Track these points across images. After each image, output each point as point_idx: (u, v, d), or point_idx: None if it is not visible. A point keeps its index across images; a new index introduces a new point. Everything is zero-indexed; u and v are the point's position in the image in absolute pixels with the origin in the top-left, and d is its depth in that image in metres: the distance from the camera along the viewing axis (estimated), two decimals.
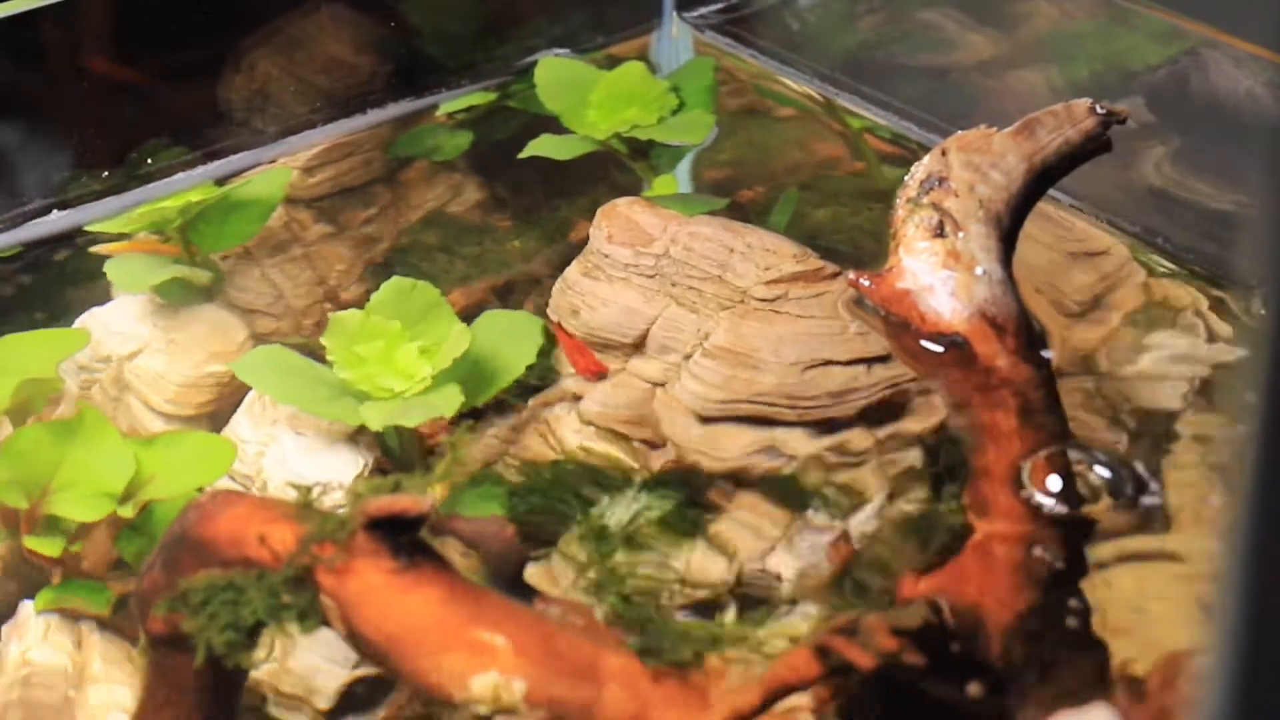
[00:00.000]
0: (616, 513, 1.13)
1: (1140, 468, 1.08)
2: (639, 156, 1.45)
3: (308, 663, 1.08)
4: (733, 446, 1.18)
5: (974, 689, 0.92)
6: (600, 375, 1.23)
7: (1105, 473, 1.06)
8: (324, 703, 1.09)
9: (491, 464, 1.20)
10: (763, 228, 1.27)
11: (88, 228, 1.40)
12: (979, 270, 1.14)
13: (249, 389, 1.23)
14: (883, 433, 1.18)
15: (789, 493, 1.15)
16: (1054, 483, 1.03)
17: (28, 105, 1.45)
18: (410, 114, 1.56)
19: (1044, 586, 0.98)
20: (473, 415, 1.21)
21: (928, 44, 1.60)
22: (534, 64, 1.51)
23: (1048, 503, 1.02)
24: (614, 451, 1.19)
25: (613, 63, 1.53)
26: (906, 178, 1.19)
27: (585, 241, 1.28)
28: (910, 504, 1.11)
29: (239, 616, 0.91)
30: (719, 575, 1.11)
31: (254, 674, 1.04)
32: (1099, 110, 1.20)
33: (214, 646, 0.92)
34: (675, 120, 1.45)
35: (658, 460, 1.18)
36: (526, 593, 0.94)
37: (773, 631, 0.93)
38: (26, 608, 1.13)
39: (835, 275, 1.23)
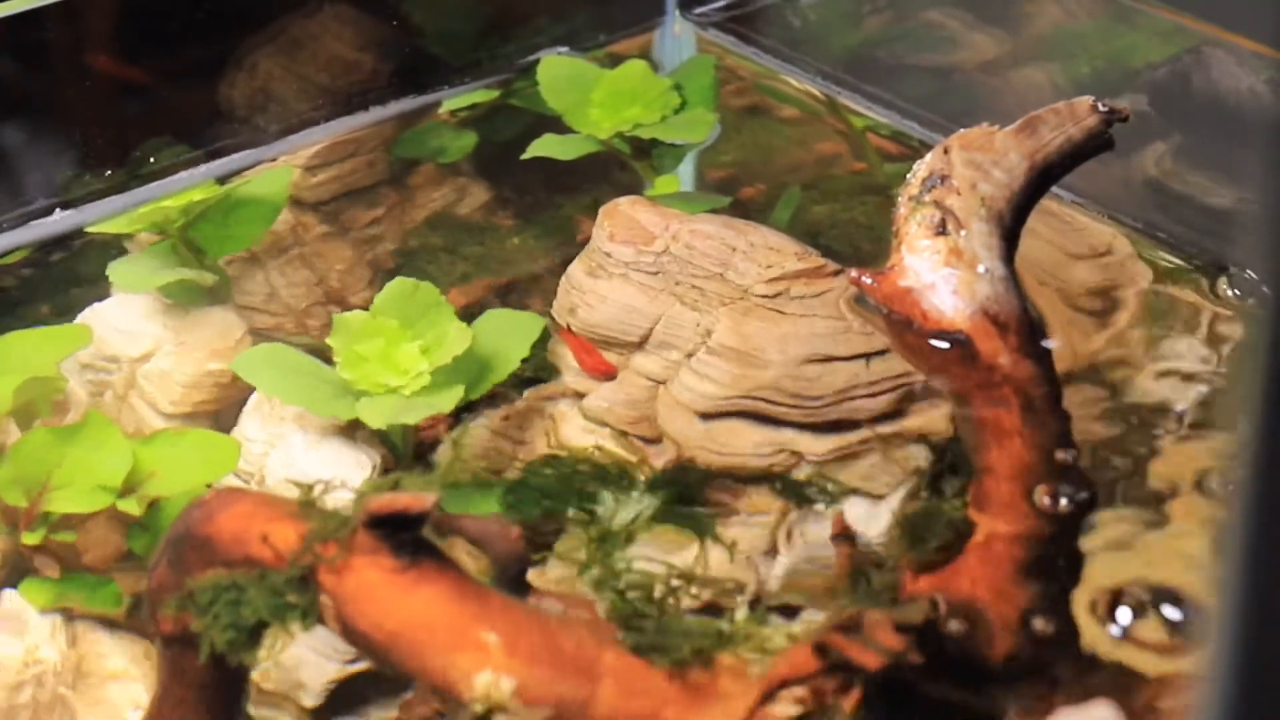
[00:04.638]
0: (619, 511, 1.13)
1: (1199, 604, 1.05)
2: (641, 155, 1.45)
3: (295, 660, 1.09)
4: (736, 445, 1.18)
5: (975, 685, 0.92)
6: (609, 376, 1.23)
7: (1170, 610, 1.04)
8: (310, 700, 1.10)
9: (494, 462, 1.20)
10: (765, 226, 1.27)
11: (90, 227, 1.40)
12: (981, 268, 1.14)
13: (252, 388, 1.23)
14: (886, 430, 1.18)
15: (792, 491, 1.15)
16: (1123, 615, 1.02)
17: (30, 104, 1.45)
18: (413, 112, 1.56)
19: (1044, 584, 0.98)
20: (468, 409, 1.21)
21: (930, 42, 1.60)
22: (536, 62, 1.51)
23: (1115, 631, 1.01)
24: (617, 450, 1.19)
25: (615, 61, 1.53)
26: (909, 176, 1.19)
27: (588, 240, 1.28)
28: (913, 502, 1.11)
29: (241, 616, 0.91)
30: (721, 573, 1.11)
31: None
32: (1101, 108, 1.20)
33: (217, 645, 0.92)
34: (677, 119, 1.45)
35: (660, 458, 1.18)
36: (528, 592, 0.94)
37: (774, 629, 0.93)
38: (10, 597, 1.12)
39: (837, 273, 1.23)
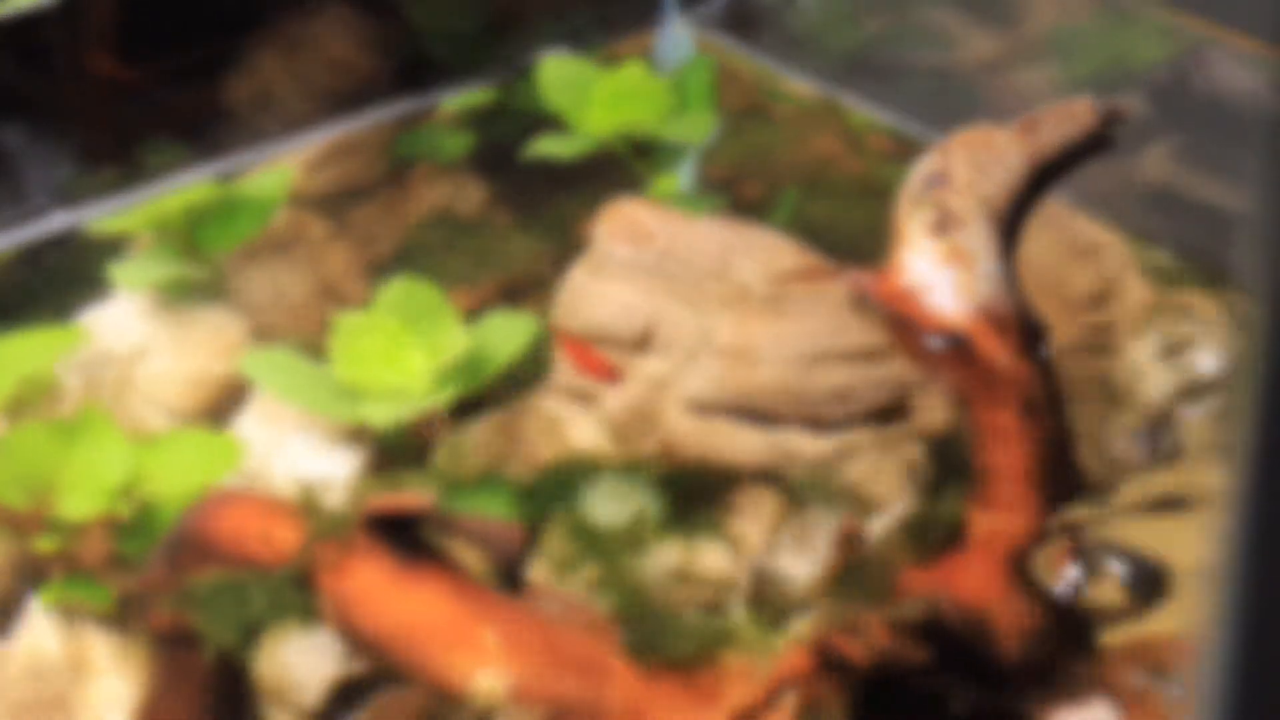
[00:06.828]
0: (615, 510, 1.13)
1: (1152, 562, 1.06)
2: (640, 155, 1.45)
3: (294, 659, 1.09)
4: (736, 445, 1.18)
5: (974, 685, 0.92)
6: (610, 377, 1.23)
7: (1120, 567, 1.05)
8: (310, 700, 1.10)
9: (493, 462, 1.20)
10: (764, 226, 1.27)
11: (90, 226, 1.40)
12: (981, 268, 1.14)
13: (252, 388, 1.23)
14: (885, 430, 1.18)
15: (791, 491, 1.16)
16: (1071, 573, 1.03)
17: (31, 105, 1.45)
18: (413, 113, 1.56)
19: (1043, 583, 0.98)
20: (465, 409, 1.21)
21: (929, 42, 1.60)
22: (537, 62, 1.51)
23: (1064, 592, 1.01)
24: (615, 449, 1.19)
25: (615, 61, 1.53)
26: (908, 176, 1.19)
27: (587, 240, 1.28)
28: (913, 502, 1.11)
29: (244, 615, 0.92)
30: (719, 573, 1.11)
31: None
32: (1100, 108, 1.20)
33: (221, 644, 0.92)
34: (677, 119, 1.45)
35: (663, 460, 1.18)
36: (529, 591, 0.95)
37: (774, 629, 0.93)
38: (35, 602, 1.13)
39: (837, 273, 1.23)
